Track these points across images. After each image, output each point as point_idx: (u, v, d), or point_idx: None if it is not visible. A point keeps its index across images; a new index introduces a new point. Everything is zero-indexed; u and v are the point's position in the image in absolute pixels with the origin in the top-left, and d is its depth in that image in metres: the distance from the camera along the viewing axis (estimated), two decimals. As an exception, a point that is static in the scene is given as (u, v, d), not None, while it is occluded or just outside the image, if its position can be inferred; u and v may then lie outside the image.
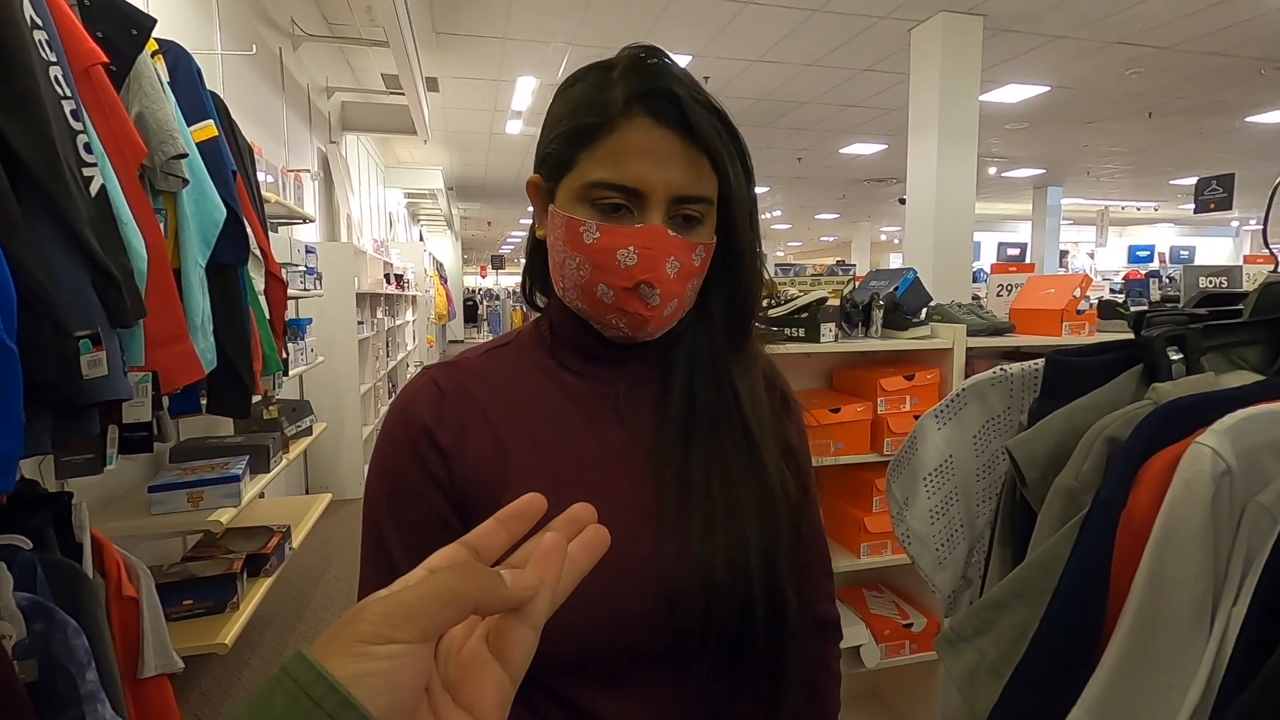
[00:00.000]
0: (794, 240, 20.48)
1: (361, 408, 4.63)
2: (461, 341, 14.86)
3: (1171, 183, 10.86)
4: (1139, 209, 13.51)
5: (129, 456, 1.48)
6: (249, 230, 1.77)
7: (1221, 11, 4.39)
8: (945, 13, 4.36)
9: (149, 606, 1.37)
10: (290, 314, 2.86)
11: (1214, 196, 7.73)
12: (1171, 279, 5.98)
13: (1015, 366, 0.85)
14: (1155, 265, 12.38)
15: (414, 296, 7.95)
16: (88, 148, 1.08)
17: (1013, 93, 6.07)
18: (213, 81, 1.94)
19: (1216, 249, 16.57)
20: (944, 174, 4.57)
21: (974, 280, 5.53)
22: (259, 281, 2.05)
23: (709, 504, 0.60)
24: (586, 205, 0.59)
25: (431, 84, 5.73)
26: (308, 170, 3.99)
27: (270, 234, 2.25)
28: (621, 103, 0.58)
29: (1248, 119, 7.09)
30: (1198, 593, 0.51)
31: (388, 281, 5.87)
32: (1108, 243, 12.74)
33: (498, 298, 17.52)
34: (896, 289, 2.09)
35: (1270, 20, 4.53)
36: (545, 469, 0.60)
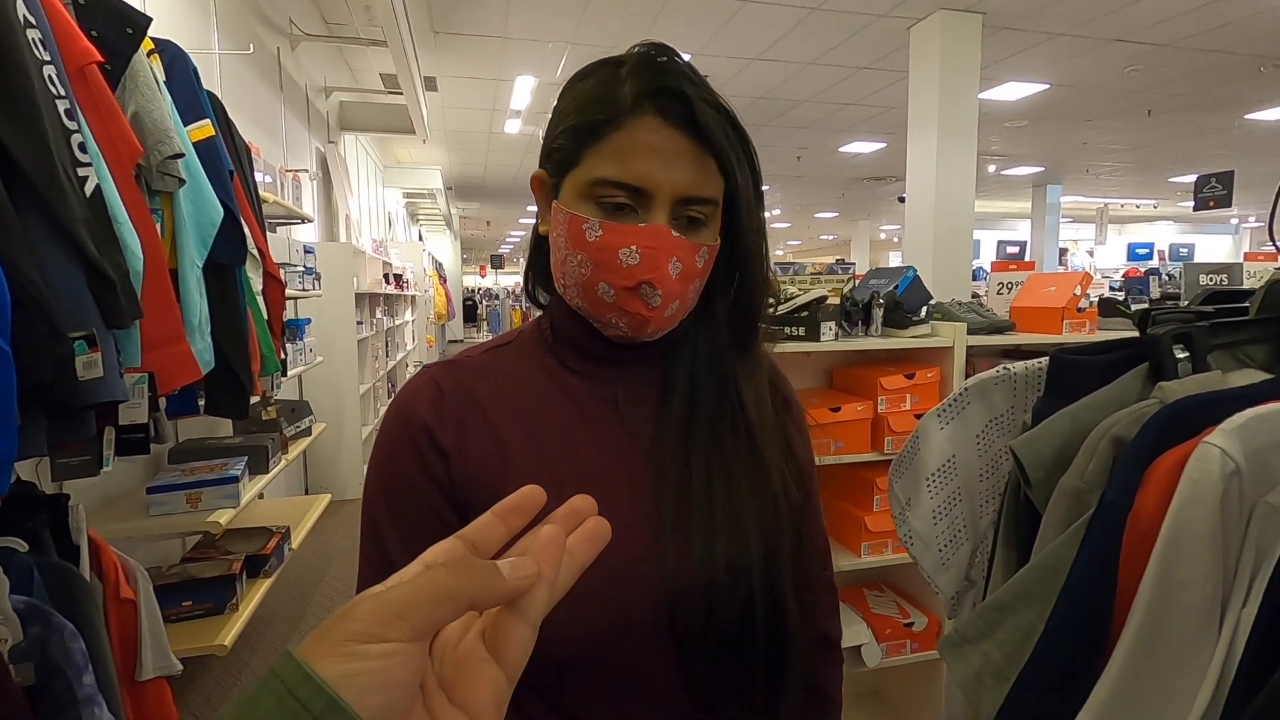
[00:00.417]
0: (793, 239, 20.47)
1: (361, 408, 4.62)
2: (461, 341, 14.85)
3: (1171, 180, 10.86)
4: (1138, 207, 13.51)
5: (126, 458, 1.47)
6: (246, 230, 1.77)
7: (1220, 8, 4.38)
8: (944, 10, 4.35)
9: (147, 608, 1.36)
10: (289, 314, 2.86)
11: (1213, 194, 7.73)
12: (1171, 276, 5.98)
13: (1019, 365, 0.84)
14: (1155, 263, 12.38)
15: (413, 296, 7.95)
16: (82, 147, 1.07)
17: (1012, 90, 6.07)
18: (209, 81, 1.93)
19: (1216, 246, 16.57)
20: (943, 172, 4.57)
21: (974, 278, 5.53)
22: (257, 282, 2.04)
23: (710, 506, 0.59)
24: (590, 203, 0.58)
25: (430, 83, 5.72)
26: (306, 170, 3.99)
27: (268, 234, 2.25)
28: (630, 100, 0.57)
29: (1247, 116, 7.08)
30: (1206, 594, 0.51)
31: (387, 281, 5.87)
32: (1107, 240, 12.74)
33: (497, 297, 17.53)
34: (897, 287, 2.08)
35: (1269, 17, 4.53)
36: (545, 469, 0.60)
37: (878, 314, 1.90)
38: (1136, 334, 0.73)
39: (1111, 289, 6.26)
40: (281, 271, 2.28)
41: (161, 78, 1.51)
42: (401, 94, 4.79)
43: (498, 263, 19.40)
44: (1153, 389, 0.65)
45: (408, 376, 7.43)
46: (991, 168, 9.60)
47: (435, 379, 0.63)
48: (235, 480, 1.96)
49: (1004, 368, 0.85)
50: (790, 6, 4.33)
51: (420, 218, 12.61)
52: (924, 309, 2.04)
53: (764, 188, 0.63)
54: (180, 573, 2.01)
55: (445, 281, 12.48)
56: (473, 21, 4.64)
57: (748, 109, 6.43)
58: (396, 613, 0.24)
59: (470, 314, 16.58)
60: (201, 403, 1.77)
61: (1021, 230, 13.90)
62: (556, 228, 0.61)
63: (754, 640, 0.59)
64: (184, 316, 1.47)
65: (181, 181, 1.47)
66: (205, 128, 1.66)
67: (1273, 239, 0.81)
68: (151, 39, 1.47)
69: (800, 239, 20.59)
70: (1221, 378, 0.65)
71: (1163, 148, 8.57)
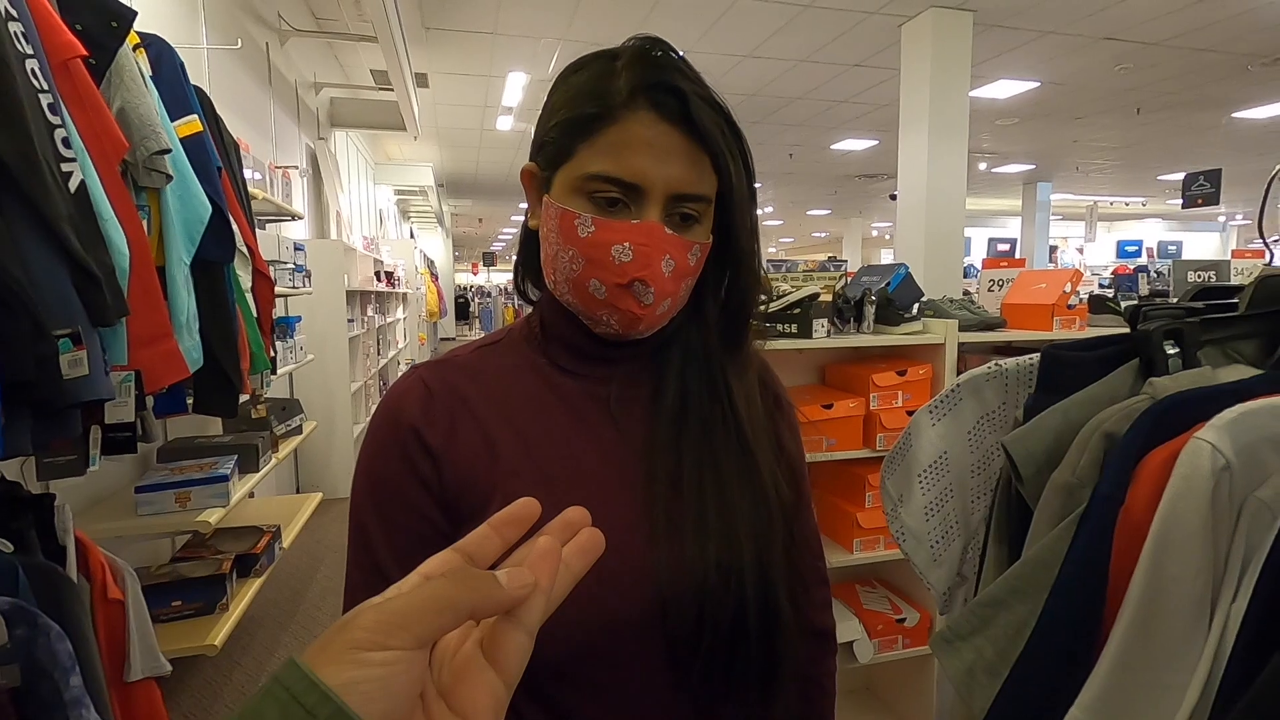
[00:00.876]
0: (786, 236, 20.51)
1: (352, 406, 4.60)
2: (453, 339, 14.80)
3: (1159, 178, 10.94)
4: (1127, 204, 13.60)
5: (113, 457, 1.45)
6: (235, 227, 1.75)
7: (1210, 7, 4.41)
8: (935, 8, 4.36)
9: (135, 609, 1.35)
10: (279, 312, 2.84)
11: (1201, 192, 7.79)
12: (1160, 274, 6.03)
13: (1010, 361, 0.84)
14: (1143, 260, 12.45)
15: (405, 294, 7.91)
16: (66, 142, 1.06)
17: (1003, 88, 6.09)
18: (197, 76, 1.91)
19: (1204, 244, 16.71)
20: (935, 169, 4.58)
21: (965, 275, 5.55)
22: (246, 279, 2.03)
23: (701, 507, 0.59)
24: (583, 198, 0.57)
25: (421, 80, 5.68)
26: (296, 166, 3.95)
27: (258, 231, 2.23)
28: (625, 94, 0.56)
29: (1235, 115, 7.13)
30: (1197, 589, 0.51)
31: (378, 279, 5.84)
32: (1096, 238, 12.82)
33: (489, 295, 17.46)
34: (889, 284, 2.09)
35: (1258, 16, 4.56)
36: (536, 470, 0.59)
37: (870, 311, 1.90)
38: (1127, 330, 0.73)
39: (1101, 286, 6.30)
40: (271, 269, 2.26)
41: (148, 72, 1.49)
42: (392, 90, 4.76)
43: (490, 260, 19.35)
44: (1144, 385, 0.65)
45: (399, 374, 7.43)
46: (982, 165, 9.64)
47: (423, 379, 0.62)
48: (225, 479, 1.94)
49: (995, 364, 0.85)
50: (782, 4, 4.33)
51: (412, 215, 12.56)
52: (916, 306, 2.05)
53: (756, 185, 0.63)
54: (170, 572, 1.99)
55: (437, 279, 12.42)
56: (464, 17, 4.62)
57: (740, 106, 6.34)
58: (399, 622, 0.25)
59: (462, 311, 16.52)
60: (190, 401, 1.76)
61: (1012, 227, 13.96)
62: (548, 223, 0.60)
63: (746, 639, 0.58)
64: (171, 314, 1.45)
65: (169, 178, 1.45)
66: (193, 123, 1.65)
67: (1262, 235, 0.81)
68: (137, 33, 1.45)
69: (792, 236, 20.63)
70: (1211, 373, 0.65)
71: (1152, 146, 8.63)
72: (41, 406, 1.00)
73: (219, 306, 1.70)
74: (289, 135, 4.40)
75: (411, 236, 11.90)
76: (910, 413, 1.89)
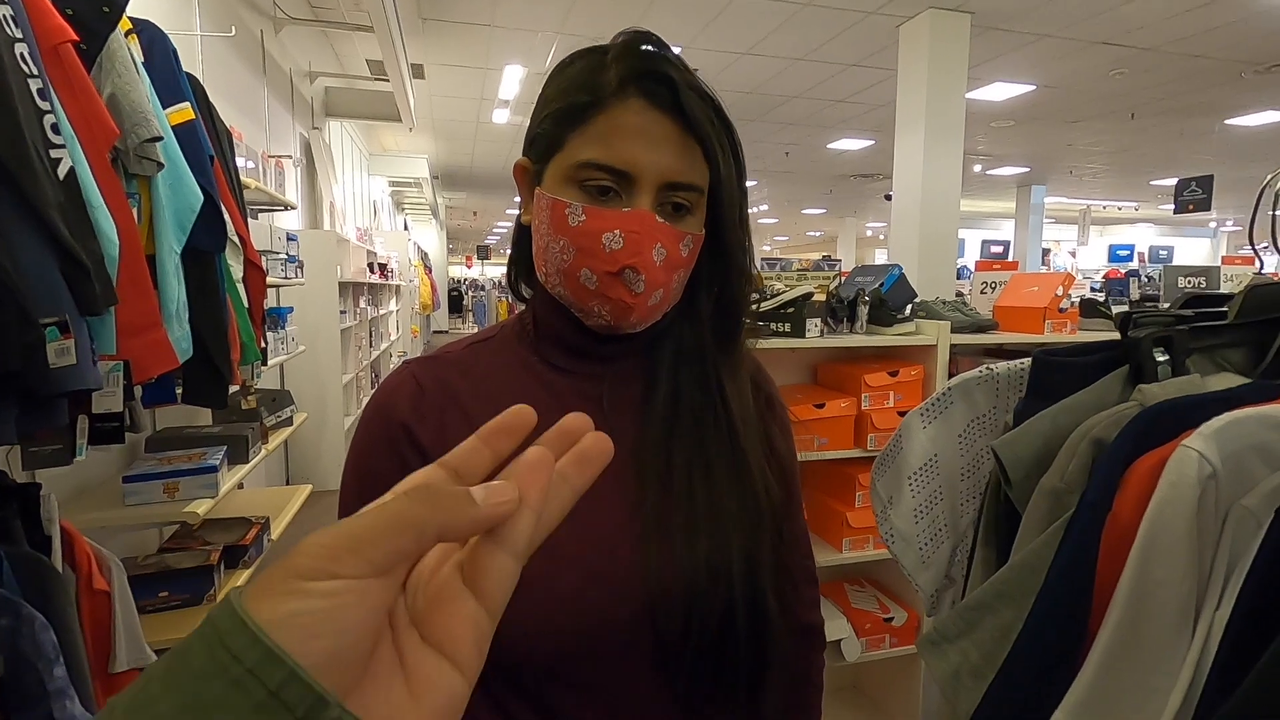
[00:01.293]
0: (780, 234, 20.53)
1: (344, 398, 4.58)
2: (446, 332, 14.75)
3: (1152, 183, 11.00)
4: (1120, 208, 13.68)
5: (101, 447, 1.44)
6: (227, 217, 1.74)
7: (1206, 14, 4.43)
8: (934, 9, 4.36)
9: (121, 600, 1.34)
10: (271, 302, 2.82)
11: (1193, 197, 7.84)
12: (1150, 278, 6.05)
13: (1001, 366, 0.85)
14: (1135, 264, 12.55)
15: (398, 286, 7.87)
16: (55, 128, 1.04)
17: (999, 91, 6.11)
18: (190, 63, 1.89)
19: (1194, 249, 16.83)
20: (930, 170, 4.59)
21: (957, 277, 5.57)
22: (237, 269, 2.01)
23: (691, 506, 0.59)
24: (574, 187, 0.57)
25: (417, 71, 5.65)
26: (289, 156, 3.93)
27: (250, 221, 2.21)
28: (615, 83, 0.56)
29: (1227, 121, 7.18)
30: (1182, 596, 0.51)
31: (371, 270, 5.80)
32: (1089, 241, 12.89)
33: (483, 288, 17.41)
34: (882, 285, 2.09)
35: (1253, 23, 4.59)
36: None
37: (863, 311, 1.91)
38: (1117, 336, 0.74)
39: (1092, 290, 6.33)
40: (263, 259, 2.24)
41: (140, 59, 1.47)
42: (388, 81, 4.73)
43: (484, 253, 19.30)
44: (1132, 391, 0.66)
45: (391, 367, 7.35)
46: (977, 167, 9.68)
47: (415, 375, 0.62)
48: (214, 470, 1.93)
49: (987, 368, 0.85)
50: (780, 1, 4.33)
51: (406, 207, 12.50)
52: (908, 307, 2.05)
53: (752, 183, 0.63)
54: (157, 563, 1.98)
55: (431, 271, 12.37)
56: (461, 9, 4.59)
57: (736, 104, 6.38)
58: (348, 545, 0.21)
59: (455, 305, 16.47)
60: (179, 391, 1.74)
61: (1005, 230, 14.03)
62: (539, 214, 0.60)
63: (734, 639, 0.58)
64: (161, 303, 1.44)
65: (160, 165, 1.44)
66: (185, 111, 1.63)
67: (1252, 244, 0.82)
68: (129, 18, 1.43)
69: (787, 235, 20.66)
70: (1200, 381, 0.66)
71: (1145, 151, 8.68)
72: (28, 395, 0.99)
73: (210, 296, 1.69)
74: (283, 124, 4.36)
75: (405, 228, 11.85)
76: (902, 413, 1.90)
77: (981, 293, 2.39)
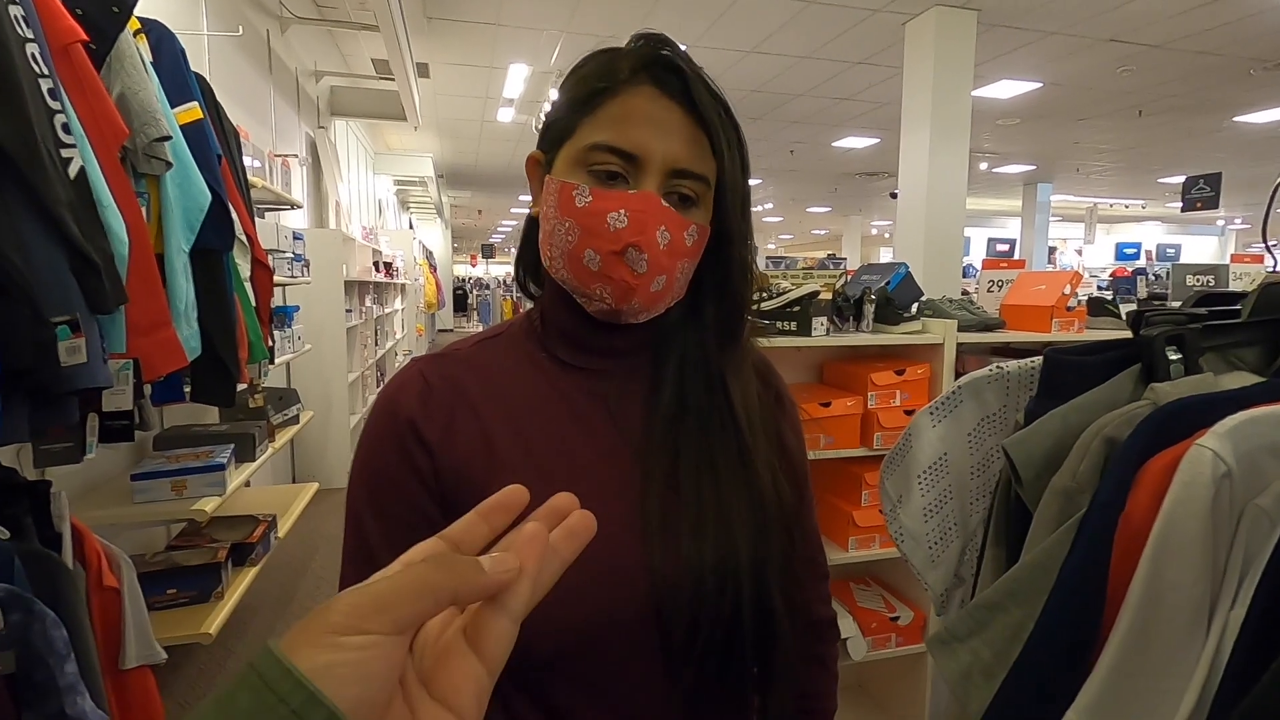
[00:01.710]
0: (785, 233, 20.50)
1: (349, 396, 4.59)
2: (450, 330, 14.77)
3: (1159, 181, 10.95)
4: (1127, 207, 13.61)
5: (110, 445, 1.45)
6: (234, 216, 1.74)
7: (1213, 11, 4.40)
8: (939, 7, 4.35)
9: (130, 596, 1.35)
10: (277, 301, 2.83)
11: (1201, 195, 7.80)
12: (1158, 276, 6.03)
13: (1012, 364, 0.84)
14: (1142, 263, 12.48)
15: (403, 285, 7.89)
16: (66, 128, 1.05)
17: (1005, 88, 6.08)
18: (197, 63, 1.90)
19: (1202, 247, 16.74)
20: (936, 169, 4.58)
21: (963, 275, 5.55)
22: (245, 268, 2.02)
23: (698, 506, 0.59)
24: (583, 170, 0.58)
25: (422, 70, 5.66)
26: (295, 155, 3.94)
27: (257, 220, 2.22)
28: (627, 71, 0.58)
29: (1235, 119, 7.14)
30: (1196, 596, 0.51)
31: (376, 269, 5.82)
32: (1095, 240, 12.83)
33: (488, 287, 17.44)
34: (888, 283, 2.09)
35: (1261, 20, 4.56)
36: (532, 466, 0.59)
37: (869, 310, 1.90)
38: (1127, 334, 0.73)
39: (1099, 288, 6.31)
40: (270, 258, 2.25)
41: (148, 58, 1.48)
42: (393, 80, 4.73)
43: (489, 252, 19.29)
44: (1145, 390, 0.65)
45: (397, 365, 7.37)
46: (983, 165, 9.64)
47: (423, 373, 0.62)
48: (221, 468, 1.94)
49: (997, 366, 0.85)
50: (786, -1, 4.32)
51: (411, 205, 12.51)
52: (915, 306, 2.05)
53: (756, 181, 0.64)
54: (165, 560, 1.99)
55: (435, 270, 12.39)
56: (466, 8, 4.59)
57: (742, 102, 6.40)
58: (377, 606, 0.24)
59: (460, 303, 16.49)
60: (187, 390, 1.75)
61: (1011, 228, 13.97)
62: (547, 200, 0.60)
63: (741, 638, 0.58)
64: (170, 302, 1.45)
65: (168, 165, 1.45)
66: (193, 110, 1.63)
67: (1265, 241, 0.81)
68: (138, 19, 1.44)
69: (792, 233, 20.62)
70: (1213, 380, 0.65)
71: (1152, 148, 8.64)
72: (39, 393, 0.99)
73: (218, 295, 1.70)
74: (289, 123, 4.37)
75: (410, 227, 11.87)
76: (908, 412, 1.89)
77: (989, 291, 2.38)
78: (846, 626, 1.91)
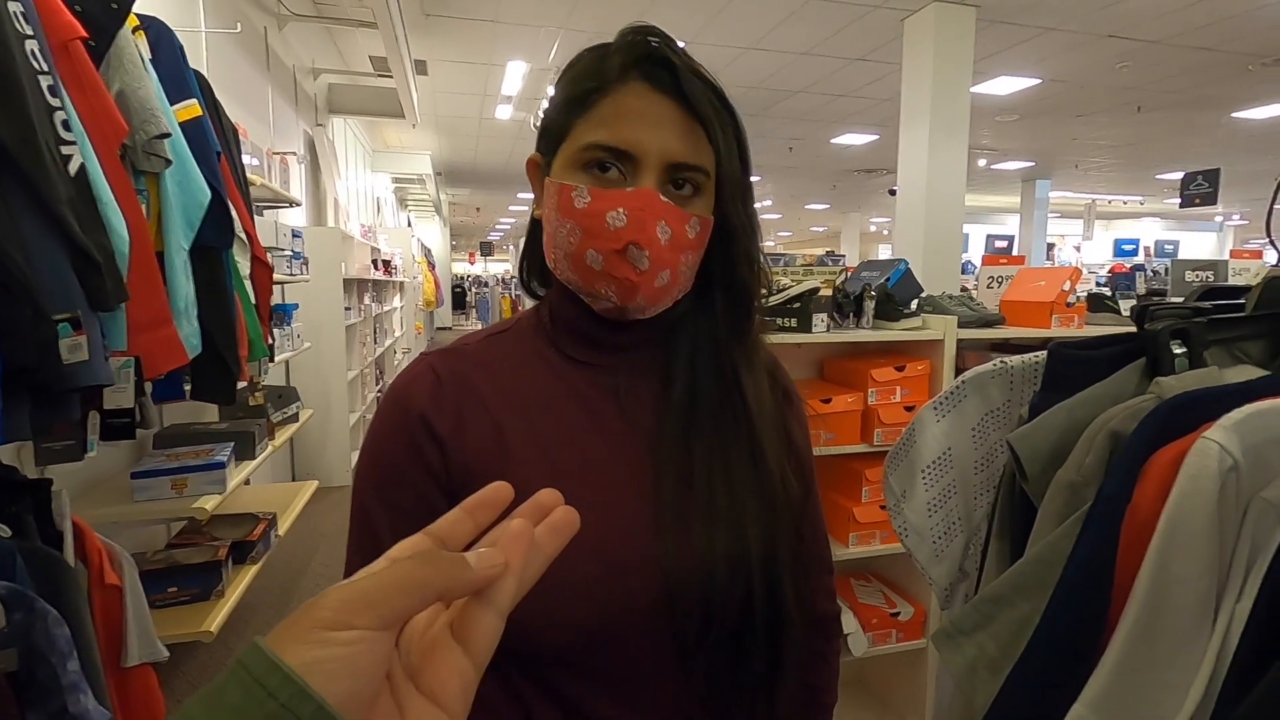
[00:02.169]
0: (784, 230, 20.48)
1: (349, 394, 4.59)
2: (449, 328, 14.76)
3: (1158, 177, 10.95)
4: (1125, 203, 13.61)
5: (111, 443, 1.45)
6: (234, 213, 1.74)
7: (1211, 7, 4.40)
8: (938, 3, 4.34)
9: (132, 594, 1.35)
10: (276, 299, 2.82)
11: (1199, 191, 7.81)
12: (1157, 273, 6.04)
13: (1016, 359, 0.84)
14: (1140, 259, 12.49)
15: (402, 282, 7.88)
16: (66, 125, 1.05)
17: (1004, 85, 6.08)
18: (196, 60, 1.89)
19: (1200, 243, 16.76)
20: (935, 165, 4.58)
21: (962, 272, 5.55)
22: (244, 266, 2.01)
23: (710, 499, 0.59)
24: (580, 171, 0.58)
25: (420, 67, 5.64)
26: (294, 153, 3.93)
27: (255, 217, 2.21)
28: (617, 69, 0.58)
29: (1234, 114, 7.14)
30: (1202, 589, 0.51)
31: (375, 267, 5.81)
32: (1094, 236, 12.84)
33: (486, 284, 17.42)
34: (888, 280, 2.09)
35: (1260, 16, 4.55)
36: (544, 460, 0.59)
37: (869, 306, 1.90)
38: (1133, 329, 0.73)
39: (1098, 284, 6.31)
40: (269, 256, 2.24)
41: (147, 55, 1.47)
42: (391, 77, 4.72)
43: (487, 250, 19.28)
44: (1150, 384, 0.65)
45: (396, 363, 7.33)
46: (982, 162, 9.63)
47: (433, 367, 0.62)
48: (221, 466, 1.94)
49: (1001, 361, 0.85)
50: (785, -5, 4.31)
51: (409, 203, 12.49)
52: (915, 302, 2.05)
53: (755, 178, 0.63)
54: (165, 559, 1.99)
55: (434, 268, 12.37)
56: (464, 4, 4.58)
57: (741, 99, 6.23)
58: (364, 601, 0.25)
59: (459, 301, 16.47)
60: (188, 387, 1.75)
61: (1010, 224, 13.97)
62: (548, 203, 0.60)
63: (752, 631, 0.59)
64: (170, 300, 1.45)
65: (168, 162, 1.44)
66: (192, 108, 1.63)
67: (1269, 235, 0.81)
68: (136, 15, 1.43)
69: (790, 230, 20.61)
70: (1218, 374, 0.65)
71: (1151, 144, 8.63)
72: (40, 391, 0.99)
73: (218, 293, 1.69)
74: (287, 121, 4.36)
75: (409, 225, 11.85)
76: (909, 408, 1.89)
77: (988, 287, 2.38)
78: (847, 622, 1.92)
